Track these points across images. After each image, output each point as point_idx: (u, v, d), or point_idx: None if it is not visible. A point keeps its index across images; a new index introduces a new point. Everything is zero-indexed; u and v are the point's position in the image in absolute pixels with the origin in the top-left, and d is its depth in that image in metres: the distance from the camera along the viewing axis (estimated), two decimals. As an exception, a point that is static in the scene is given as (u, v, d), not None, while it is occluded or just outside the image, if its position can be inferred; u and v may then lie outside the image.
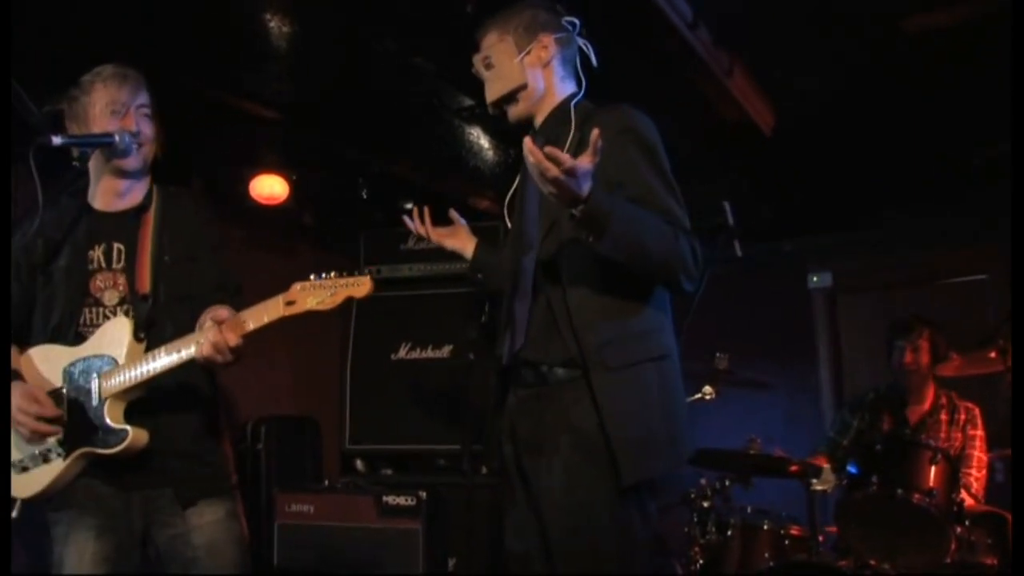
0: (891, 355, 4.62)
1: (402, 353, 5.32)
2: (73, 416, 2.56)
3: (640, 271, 2.29)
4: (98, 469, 2.56)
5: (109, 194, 2.72)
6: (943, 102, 4.59)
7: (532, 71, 2.51)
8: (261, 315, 2.45)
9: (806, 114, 4.85)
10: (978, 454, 4.38)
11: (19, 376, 2.61)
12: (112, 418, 2.52)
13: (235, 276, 2.83)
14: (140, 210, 2.72)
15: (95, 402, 2.53)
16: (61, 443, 2.55)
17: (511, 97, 2.54)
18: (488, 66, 2.55)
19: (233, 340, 2.43)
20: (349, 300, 2.39)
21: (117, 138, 2.56)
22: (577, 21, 2.54)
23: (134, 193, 2.74)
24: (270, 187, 5.03)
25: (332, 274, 2.42)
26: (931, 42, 3.97)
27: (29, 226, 2.59)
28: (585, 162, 2.06)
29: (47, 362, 2.63)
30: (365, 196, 5.33)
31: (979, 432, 4.42)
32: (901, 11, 3.82)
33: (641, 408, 2.27)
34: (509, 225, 2.64)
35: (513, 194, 2.64)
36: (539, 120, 2.56)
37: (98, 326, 2.63)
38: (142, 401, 2.57)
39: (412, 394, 5.21)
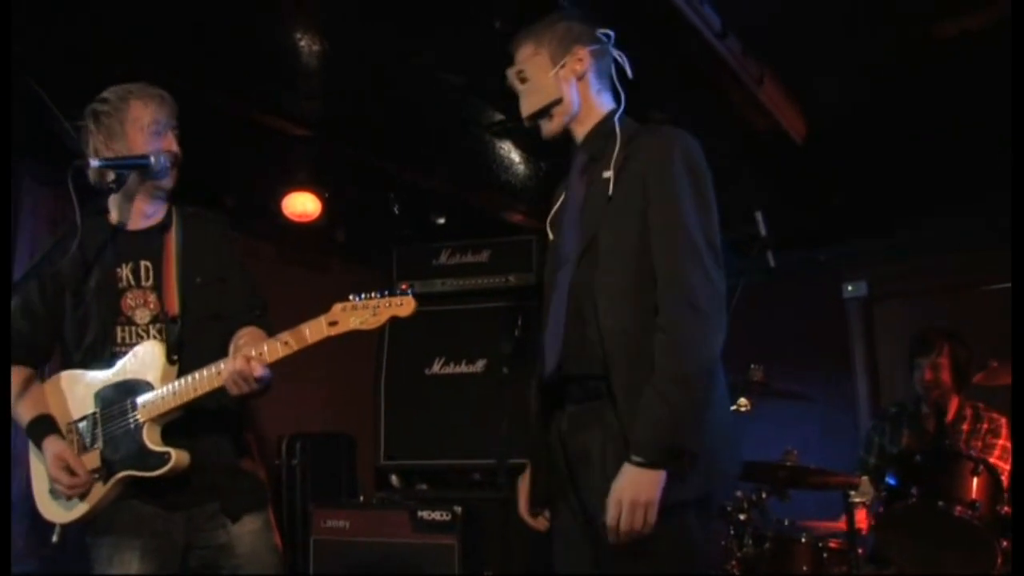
0: (913, 372, 4.57)
1: (436, 368, 5.33)
2: (110, 441, 2.58)
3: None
4: (139, 490, 2.58)
5: (137, 214, 2.73)
6: (976, 104, 4.54)
7: (567, 85, 2.47)
8: (304, 336, 2.47)
9: (838, 121, 4.81)
10: (995, 462, 4.27)
11: (51, 426, 2.62)
12: (152, 441, 2.53)
13: (262, 294, 2.86)
14: (162, 228, 2.74)
15: (132, 426, 2.55)
16: (99, 469, 2.57)
17: (545, 111, 2.49)
18: (522, 80, 2.51)
19: (258, 371, 2.46)
20: (393, 319, 2.42)
21: (153, 160, 2.59)
22: (612, 33, 2.50)
23: (157, 212, 2.76)
24: (302, 204, 5.07)
25: (373, 294, 2.43)
26: (963, 45, 3.93)
27: (60, 253, 2.58)
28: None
29: (78, 389, 2.65)
30: (396, 211, 5.35)
31: (1000, 442, 4.31)
32: (932, 15, 3.79)
33: None
34: (552, 238, 2.59)
35: (558, 209, 2.60)
36: (580, 135, 2.53)
37: (132, 346, 2.64)
38: (176, 422, 2.58)
39: (446, 409, 5.22)
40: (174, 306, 2.65)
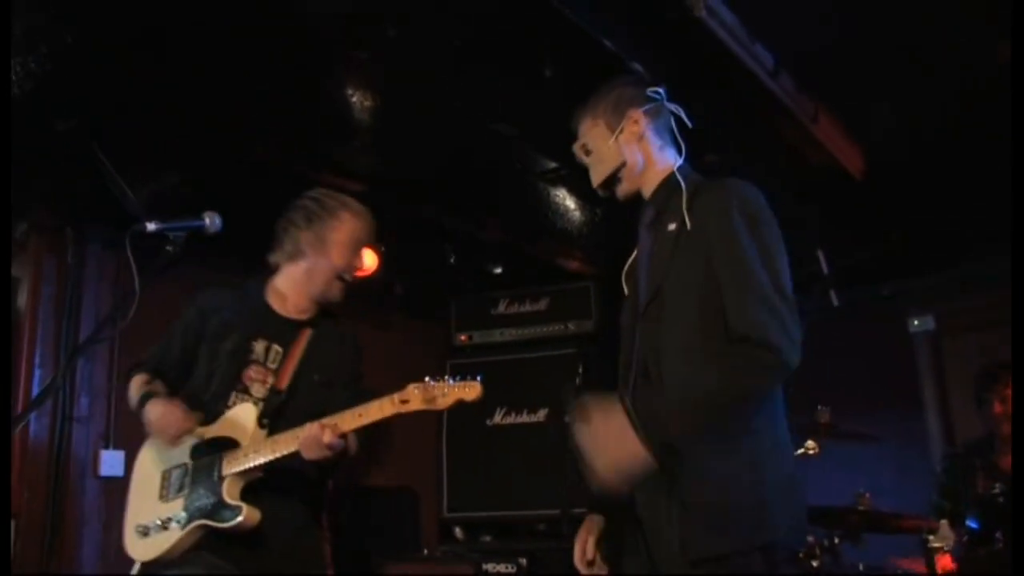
0: (980, 407, 4.47)
1: (497, 418, 5.30)
2: (195, 490, 2.74)
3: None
4: (210, 545, 2.71)
5: (293, 305, 2.99)
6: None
7: (628, 147, 2.54)
8: (377, 410, 2.67)
9: (898, 153, 4.73)
10: None
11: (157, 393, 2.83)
12: (230, 495, 2.69)
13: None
14: (303, 324, 2.96)
15: (215, 478, 2.72)
16: (181, 514, 2.72)
17: (614, 178, 2.56)
18: (587, 152, 2.60)
19: (328, 437, 2.62)
20: (459, 403, 2.68)
21: (208, 221, 2.62)
22: (663, 89, 2.57)
23: (307, 311, 3.00)
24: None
25: (446, 378, 2.67)
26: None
27: (211, 304, 2.87)
28: None
29: (180, 441, 2.80)
30: (452, 261, 5.37)
31: None
32: (993, 40, 3.72)
33: (723, 482, 2.23)
34: (626, 292, 2.61)
35: (632, 263, 2.64)
36: (648, 191, 2.57)
37: None
38: (256, 485, 2.73)
39: (509, 459, 5.18)
40: (284, 383, 2.86)
